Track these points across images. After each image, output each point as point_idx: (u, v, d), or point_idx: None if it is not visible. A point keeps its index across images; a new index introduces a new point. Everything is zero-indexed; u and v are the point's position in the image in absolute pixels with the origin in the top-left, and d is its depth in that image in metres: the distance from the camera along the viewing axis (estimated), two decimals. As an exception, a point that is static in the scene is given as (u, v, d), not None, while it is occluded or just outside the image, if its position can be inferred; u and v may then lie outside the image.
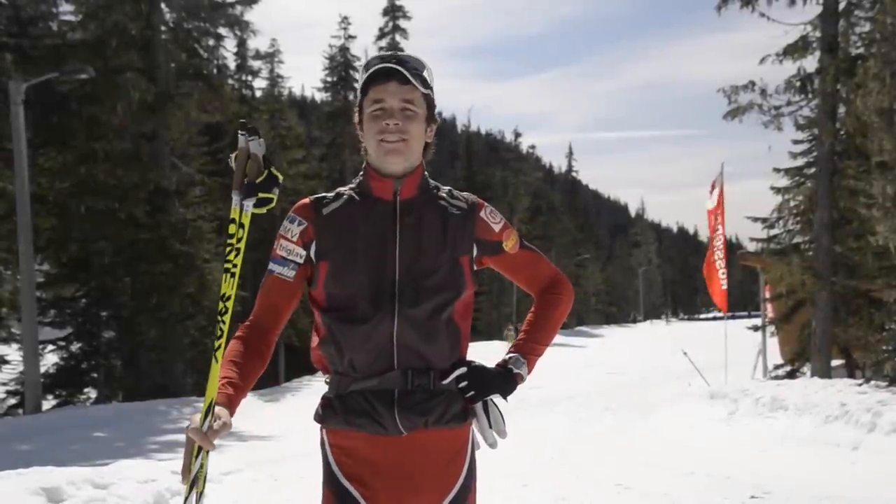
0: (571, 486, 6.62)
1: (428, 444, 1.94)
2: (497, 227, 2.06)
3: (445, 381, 1.94)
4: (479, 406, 2.03)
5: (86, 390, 18.99)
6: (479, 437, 2.07)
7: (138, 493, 6.02)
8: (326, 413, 1.99)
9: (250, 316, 2.05)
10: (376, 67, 1.93)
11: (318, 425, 2.03)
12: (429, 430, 1.93)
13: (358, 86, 2.01)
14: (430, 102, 1.99)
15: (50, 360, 18.53)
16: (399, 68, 1.91)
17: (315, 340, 2.02)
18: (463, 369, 1.97)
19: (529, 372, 2.06)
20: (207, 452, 1.80)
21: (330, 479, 1.97)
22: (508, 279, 2.22)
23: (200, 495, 1.82)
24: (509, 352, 2.08)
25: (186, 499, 1.81)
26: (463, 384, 1.96)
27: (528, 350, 2.07)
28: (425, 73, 1.97)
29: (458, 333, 1.99)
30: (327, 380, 2.01)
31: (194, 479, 1.80)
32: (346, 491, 1.93)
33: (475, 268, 2.04)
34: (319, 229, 1.97)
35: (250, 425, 12.14)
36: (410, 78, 1.91)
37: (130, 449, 10.29)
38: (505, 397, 2.02)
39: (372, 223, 1.95)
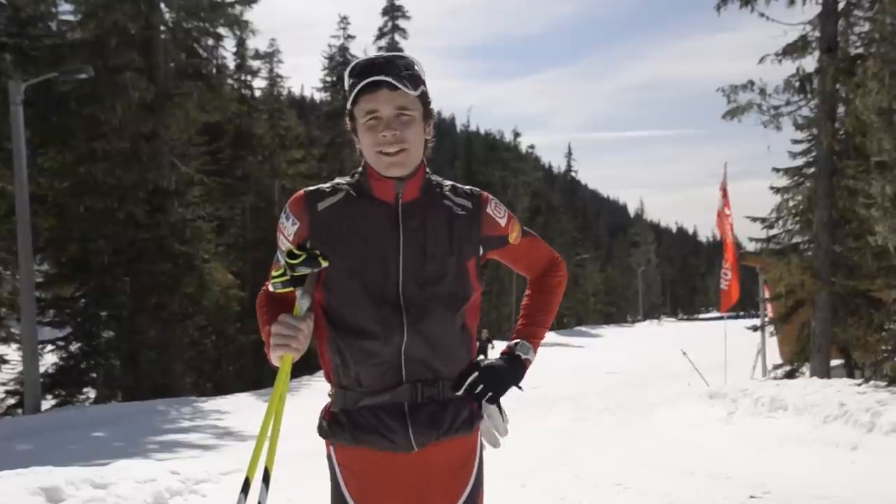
0: (571, 485, 6.61)
1: (438, 457, 1.91)
2: (503, 222, 2.01)
3: (459, 392, 1.91)
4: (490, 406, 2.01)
5: (85, 390, 18.97)
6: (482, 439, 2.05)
7: (137, 492, 6.03)
8: (333, 428, 1.93)
9: (266, 285, 2.07)
10: (365, 82, 1.82)
11: (323, 440, 1.99)
12: (440, 442, 1.90)
13: (346, 90, 1.89)
14: (424, 100, 1.89)
15: (49, 360, 18.51)
16: (389, 79, 1.81)
17: (321, 345, 1.96)
18: (475, 374, 1.94)
19: (534, 355, 2.06)
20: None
21: (339, 500, 1.93)
22: (508, 269, 2.21)
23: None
24: (513, 338, 2.06)
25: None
26: (479, 388, 1.94)
27: (531, 334, 2.06)
28: (416, 70, 1.87)
29: (470, 337, 1.97)
30: (330, 392, 1.97)
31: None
32: None
33: (480, 263, 2.00)
34: (314, 228, 1.90)
35: (250, 425, 12.14)
36: (400, 86, 1.82)
37: (130, 449, 10.28)
38: (519, 386, 2.02)
39: (373, 227, 1.87)
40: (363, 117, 1.86)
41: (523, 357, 2.02)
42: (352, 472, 1.91)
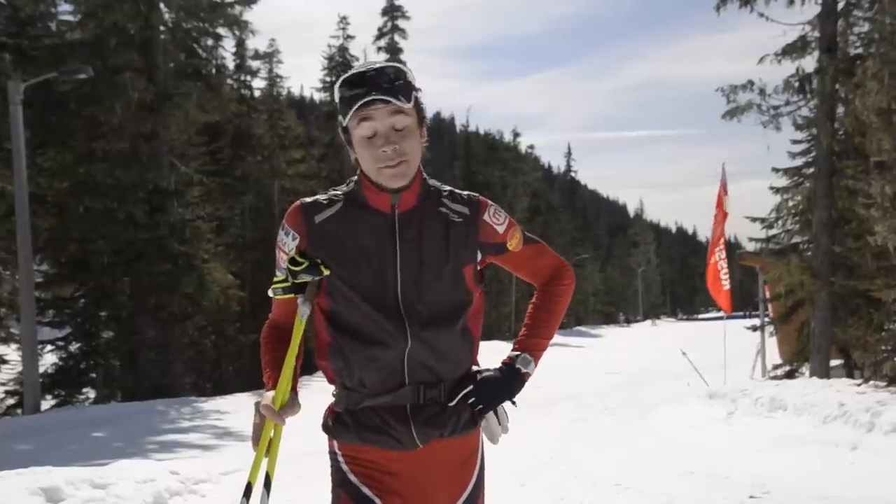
0: (570, 485, 6.62)
1: (442, 453, 1.94)
2: (501, 229, 2.00)
3: (452, 403, 1.93)
4: None
5: (84, 390, 18.95)
6: (483, 435, 2.09)
7: (137, 492, 6.03)
8: (338, 428, 1.96)
9: (270, 314, 2.08)
10: (359, 104, 1.82)
11: (326, 435, 2.02)
12: (443, 440, 1.93)
13: (337, 100, 1.90)
14: (418, 107, 1.89)
15: (49, 360, 18.49)
16: (383, 97, 1.80)
17: (321, 349, 1.97)
18: (470, 387, 1.95)
19: (535, 367, 2.04)
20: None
21: (343, 483, 1.95)
22: (510, 273, 2.19)
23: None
24: (514, 349, 2.04)
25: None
26: (472, 400, 1.95)
27: (533, 346, 2.04)
28: (407, 78, 1.86)
29: (472, 339, 1.98)
30: (335, 392, 1.99)
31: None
32: (363, 494, 1.92)
33: (479, 268, 2.00)
34: (312, 240, 1.92)
35: (250, 425, 12.12)
36: (394, 101, 1.81)
37: (129, 449, 10.28)
38: (513, 401, 2.02)
39: (370, 237, 1.89)
40: (358, 128, 1.86)
41: (523, 371, 2.00)
42: (356, 461, 1.94)
